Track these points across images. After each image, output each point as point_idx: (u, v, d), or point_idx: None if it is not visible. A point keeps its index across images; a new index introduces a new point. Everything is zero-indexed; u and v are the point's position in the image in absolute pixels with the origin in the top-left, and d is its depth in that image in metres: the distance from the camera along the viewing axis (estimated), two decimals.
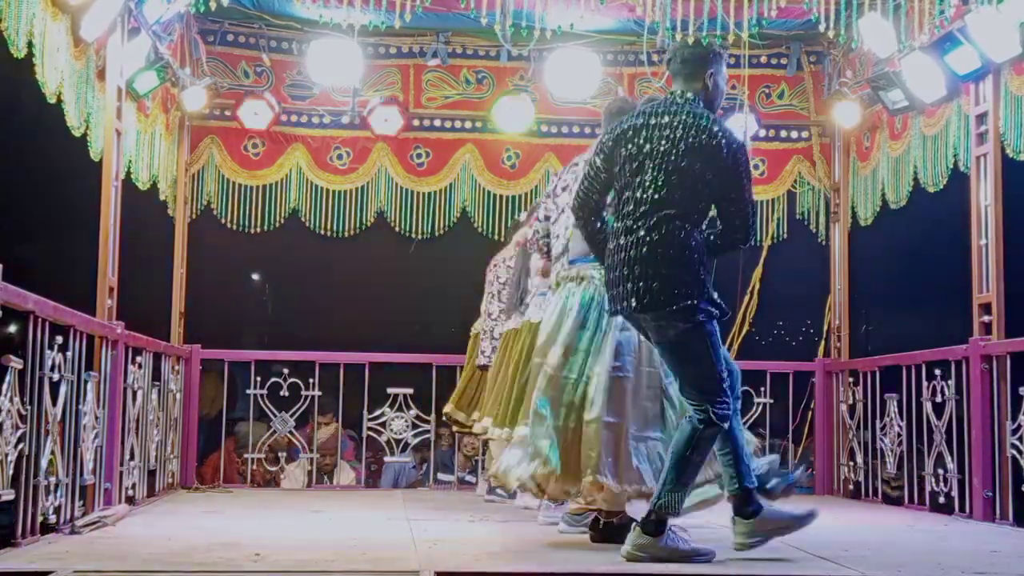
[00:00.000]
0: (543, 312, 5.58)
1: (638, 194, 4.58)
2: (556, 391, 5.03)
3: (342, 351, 8.45)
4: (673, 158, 4.54)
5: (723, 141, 4.54)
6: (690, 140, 4.53)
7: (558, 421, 4.99)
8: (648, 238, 4.51)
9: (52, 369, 5.01)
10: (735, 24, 7.47)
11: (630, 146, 4.65)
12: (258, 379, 8.26)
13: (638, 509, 4.84)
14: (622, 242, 4.58)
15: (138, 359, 6.66)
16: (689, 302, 4.46)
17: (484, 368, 7.23)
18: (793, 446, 8.68)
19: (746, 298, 8.80)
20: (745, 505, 4.67)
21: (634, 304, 4.51)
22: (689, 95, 4.67)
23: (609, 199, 4.83)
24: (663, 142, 4.57)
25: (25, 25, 5.39)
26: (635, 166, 4.62)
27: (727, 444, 4.69)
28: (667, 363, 4.78)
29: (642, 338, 4.91)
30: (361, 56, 8.17)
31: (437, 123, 8.81)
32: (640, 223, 4.54)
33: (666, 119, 4.61)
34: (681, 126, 4.57)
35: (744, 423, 8.19)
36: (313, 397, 8.23)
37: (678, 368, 4.66)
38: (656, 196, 4.53)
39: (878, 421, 7.69)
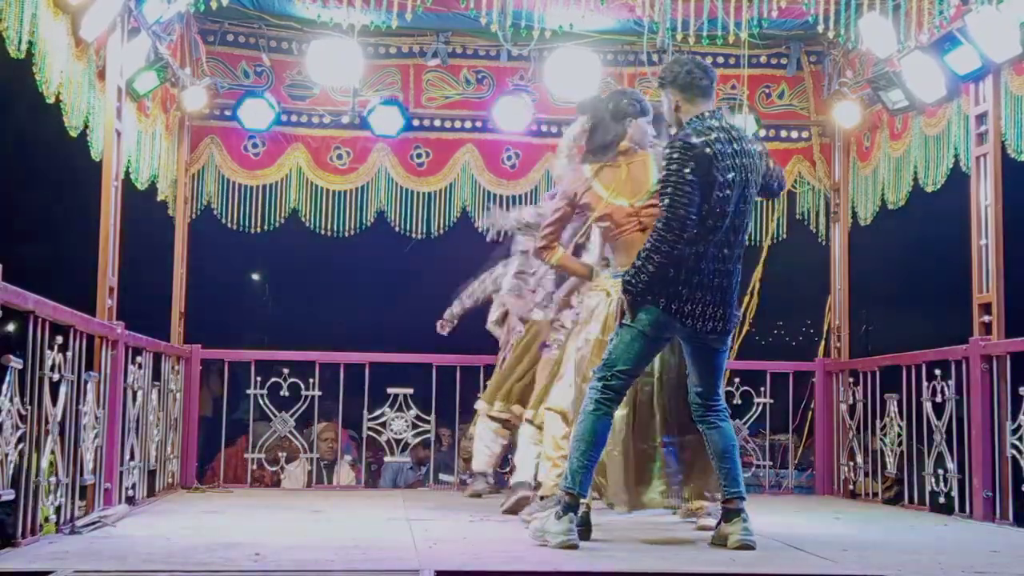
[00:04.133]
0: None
1: (726, 223, 4.82)
2: None
3: (342, 351, 8.45)
4: (752, 189, 4.90)
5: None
6: (756, 168, 4.91)
7: None
8: (735, 268, 4.90)
9: (52, 369, 5.01)
10: (735, 24, 7.48)
11: (729, 175, 4.81)
12: (258, 379, 8.26)
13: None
14: (715, 267, 4.83)
15: (138, 359, 6.66)
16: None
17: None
18: (793, 446, 8.69)
19: (746, 298, 8.79)
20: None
21: (719, 327, 4.87)
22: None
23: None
24: (743, 172, 4.86)
25: (25, 25, 5.38)
26: (727, 193, 4.81)
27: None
28: (705, 373, 5.00)
29: None
30: (361, 56, 8.16)
31: (437, 123, 8.80)
32: (729, 252, 4.85)
33: (740, 146, 4.88)
34: (749, 155, 4.90)
35: (744, 423, 8.31)
36: (313, 397, 8.22)
37: (719, 375, 5.02)
38: (741, 226, 4.89)
39: (878, 421, 7.68)
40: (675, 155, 4.77)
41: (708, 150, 4.76)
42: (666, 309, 4.79)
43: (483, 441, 7.59)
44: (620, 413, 5.12)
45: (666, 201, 4.74)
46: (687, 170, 4.73)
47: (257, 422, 8.40)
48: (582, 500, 4.88)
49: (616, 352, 4.89)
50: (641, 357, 4.91)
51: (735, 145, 4.84)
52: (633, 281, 4.76)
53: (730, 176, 4.78)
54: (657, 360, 5.21)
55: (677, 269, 4.78)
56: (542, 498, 5.57)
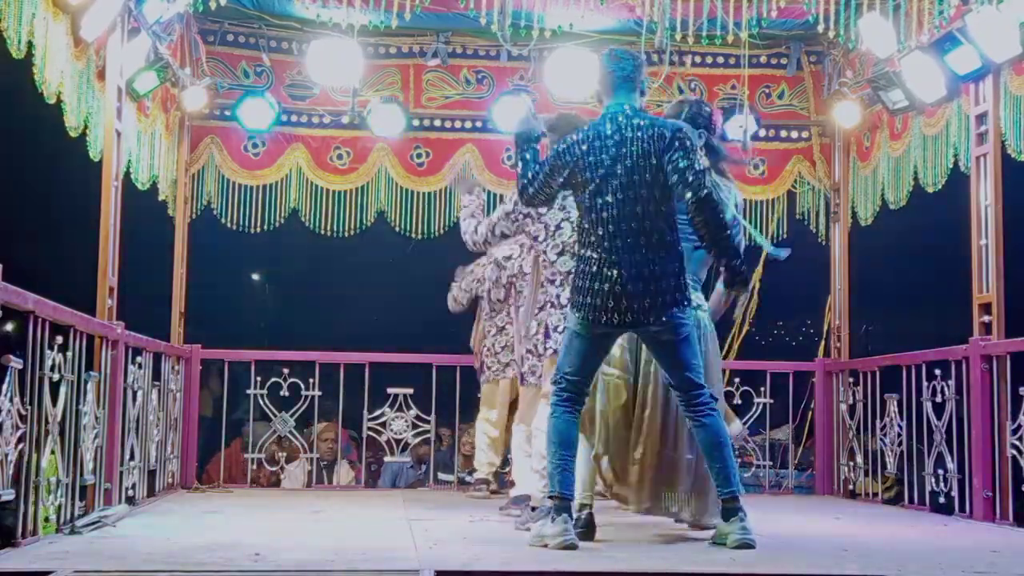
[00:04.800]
0: None
1: (606, 213, 4.75)
2: None
3: (342, 351, 8.45)
4: (639, 179, 4.76)
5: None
6: (650, 159, 4.76)
7: None
8: (654, 257, 4.74)
9: (52, 369, 5.01)
10: (735, 24, 7.47)
11: (600, 170, 4.76)
12: (258, 379, 8.26)
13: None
14: (616, 259, 4.72)
15: (138, 359, 6.66)
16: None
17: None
18: (793, 446, 8.69)
19: (746, 298, 8.79)
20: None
21: (648, 319, 4.75)
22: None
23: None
24: (621, 161, 4.75)
25: (25, 25, 5.38)
26: (595, 187, 4.77)
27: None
28: (669, 366, 4.90)
29: None
30: (361, 56, 8.15)
31: (437, 123, 8.80)
32: (633, 242, 4.72)
33: (625, 136, 4.78)
34: (645, 150, 4.76)
35: (744, 423, 8.30)
36: (313, 397, 8.22)
37: (687, 367, 4.84)
38: (637, 214, 4.74)
39: (878, 421, 7.69)
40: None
41: (584, 146, 4.81)
42: (576, 306, 4.82)
43: (482, 450, 7.64)
44: (644, 413, 5.17)
45: None
46: (554, 152, 4.91)
47: (257, 422, 8.41)
48: (570, 500, 4.84)
49: (560, 356, 4.96)
50: (582, 356, 4.86)
51: (617, 136, 4.78)
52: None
53: (601, 172, 4.76)
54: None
55: (577, 268, 4.83)
56: (533, 509, 5.59)
